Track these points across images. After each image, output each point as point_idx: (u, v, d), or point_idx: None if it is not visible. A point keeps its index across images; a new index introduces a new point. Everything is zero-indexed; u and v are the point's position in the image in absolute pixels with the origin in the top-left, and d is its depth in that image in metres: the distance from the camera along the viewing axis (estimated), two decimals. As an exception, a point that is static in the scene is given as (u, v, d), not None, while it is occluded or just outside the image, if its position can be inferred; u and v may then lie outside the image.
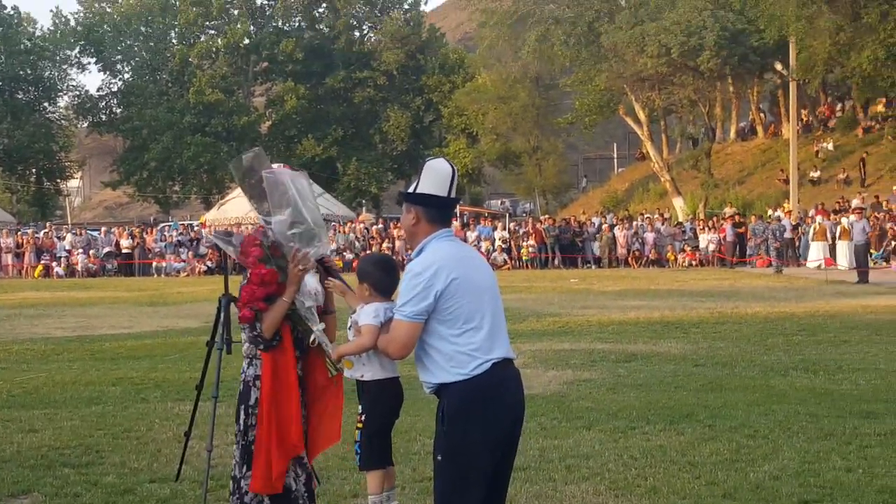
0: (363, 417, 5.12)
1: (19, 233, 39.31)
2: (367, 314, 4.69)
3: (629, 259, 38.37)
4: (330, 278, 5.19)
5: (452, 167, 4.46)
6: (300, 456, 5.10)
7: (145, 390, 10.78)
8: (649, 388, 10.50)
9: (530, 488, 6.80)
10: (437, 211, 4.38)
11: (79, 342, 15.51)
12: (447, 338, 4.25)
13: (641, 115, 50.35)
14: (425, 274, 4.22)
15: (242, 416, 5.09)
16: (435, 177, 4.34)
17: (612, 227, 39.60)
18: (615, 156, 75.37)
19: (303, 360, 5.13)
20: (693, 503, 6.39)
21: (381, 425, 5.26)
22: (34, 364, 13.16)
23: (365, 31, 71.09)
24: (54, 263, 36.97)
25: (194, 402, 7.00)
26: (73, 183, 73.39)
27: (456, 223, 44.27)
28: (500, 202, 74.03)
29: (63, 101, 67.59)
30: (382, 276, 4.79)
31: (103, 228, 41.46)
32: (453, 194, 4.41)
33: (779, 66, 46.84)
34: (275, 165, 5.24)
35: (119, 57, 66.63)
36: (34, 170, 64.05)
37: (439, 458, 4.21)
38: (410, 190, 4.35)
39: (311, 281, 5.06)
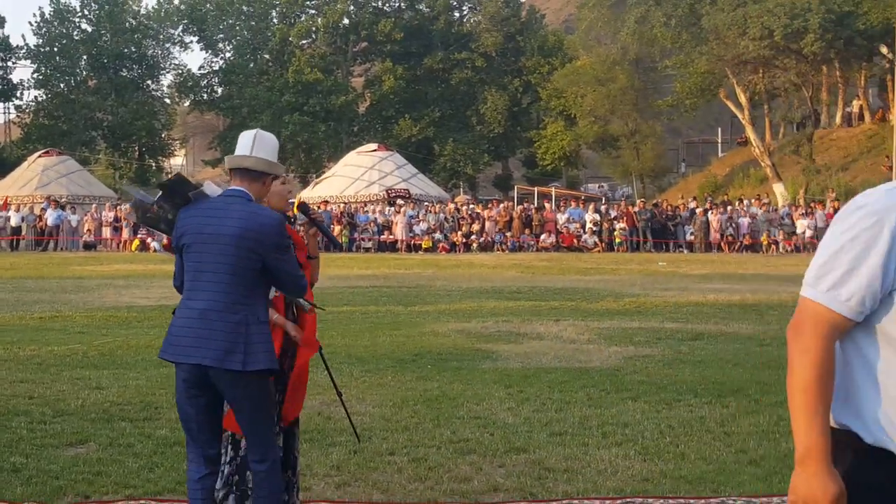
0: None
1: (119, 207, 40.40)
2: None
3: (722, 244, 37.86)
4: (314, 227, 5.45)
5: None
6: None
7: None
8: (706, 365, 10.45)
9: (562, 451, 6.90)
10: None
11: (160, 311, 15.92)
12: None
13: (742, 99, 49.57)
14: None
15: None
16: None
17: (706, 211, 39.07)
18: (719, 140, 74.05)
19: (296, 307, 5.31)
20: (716, 468, 6.43)
21: None
22: (114, 329, 13.60)
23: (464, 12, 71.24)
24: (150, 238, 37.93)
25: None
26: (177, 161, 74.94)
27: (548, 205, 44.17)
28: (598, 186, 73.55)
29: (166, 80, 69.07)
30: None
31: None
32: None
33: (885, 50, 45.57)
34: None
35: (221, 36, 67.78)
36: (137, 147, 65.50)
37: None
38: None
39: None
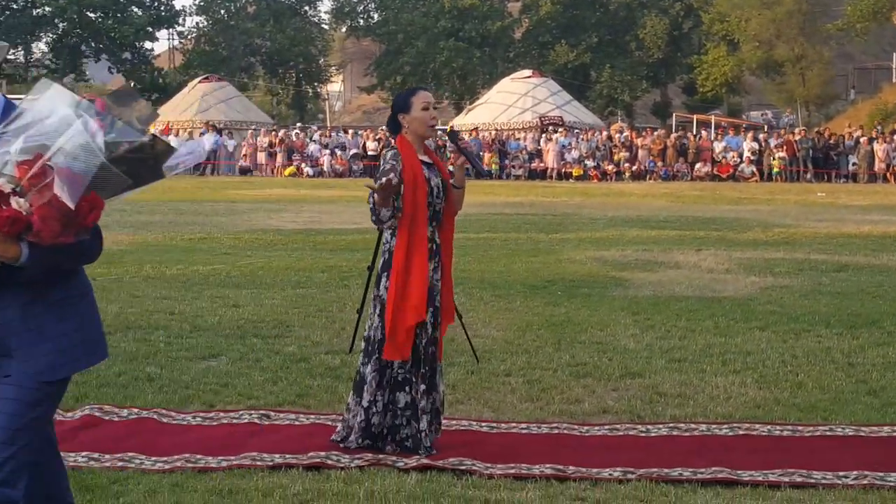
0: None
1: (273, 132, 41.25)
2: None
3: (888, 175, 36.31)
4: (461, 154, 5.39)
5: None
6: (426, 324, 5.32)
7: (350, 277, 11.21)
8: (845, 297, 10.15)
9: (678, 377, 6.88)
10: None
11: (305, 234, 16.35)
12: None
13: (918, 22, 47.06)
14: None
15: (385, 282, 5.38)
16: None
17: (871, 140, 37.45)
18: (894, 66, 70.44)
19: (439, 232, 5.41)
20: (832, 397, 6.33)
21: None
22: (258, 251, 14.03)
23: (625, -65, 69.38)
24: (304, 164, 38.65)
25: (366, 282, 7.37)
26: (334, 87, 75.73)
27: (705, 133, 43.07)
28: (761, 114, 71.20)
29: (323, 6, 69.57)
30: None
31: (350, 131, 42.87)
32: None
33: None
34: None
35: (379, -40, 67.84)
36: (294, 73, 66.42)
37: None
38: None
39: None
